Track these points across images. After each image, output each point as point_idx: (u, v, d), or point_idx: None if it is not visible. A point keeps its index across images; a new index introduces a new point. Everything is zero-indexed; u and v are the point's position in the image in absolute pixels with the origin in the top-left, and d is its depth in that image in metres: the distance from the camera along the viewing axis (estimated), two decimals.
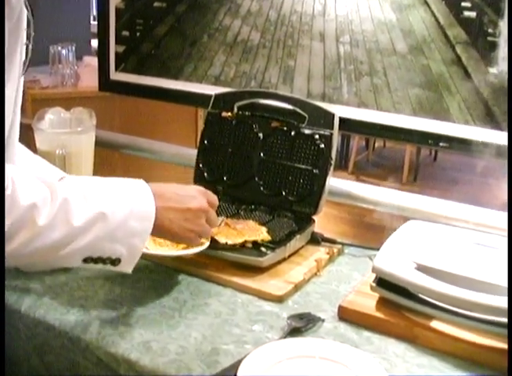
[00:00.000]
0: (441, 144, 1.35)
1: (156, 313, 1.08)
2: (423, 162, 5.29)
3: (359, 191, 1.51)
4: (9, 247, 0.82)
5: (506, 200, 1.09)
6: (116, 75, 1.83)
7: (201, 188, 1.06)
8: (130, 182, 0.95)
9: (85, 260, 0.90)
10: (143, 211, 0.92)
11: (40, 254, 0.86)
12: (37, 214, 0.83)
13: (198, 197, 1.03)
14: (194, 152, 1.54)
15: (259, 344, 0.98)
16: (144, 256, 1.16)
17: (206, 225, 1.05)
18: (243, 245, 1.23)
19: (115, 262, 0.92)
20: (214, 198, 1.07)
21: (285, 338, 1.01)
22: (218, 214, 1.35)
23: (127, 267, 0.94)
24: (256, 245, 1.23)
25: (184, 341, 1.00)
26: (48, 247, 0.85)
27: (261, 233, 1.26)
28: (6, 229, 0.80)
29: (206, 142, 1.51)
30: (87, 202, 0.87)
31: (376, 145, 5.71)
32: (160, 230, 0.96)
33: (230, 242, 1.22)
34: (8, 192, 0.80)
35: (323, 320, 1.08)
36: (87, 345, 1.01)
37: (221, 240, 1.22)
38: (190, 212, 1.00)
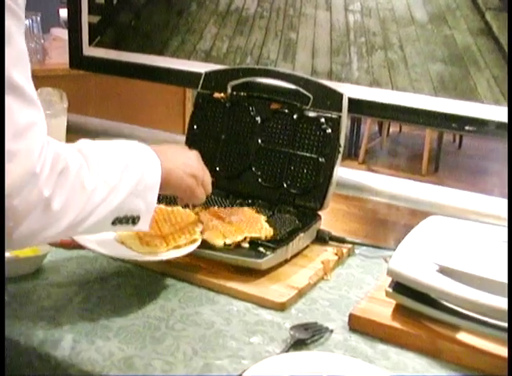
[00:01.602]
0: (466, 128, 1.35)
1: (139, 325, 1.08)
2: (446, 150, 5.30)
3: (372, 183, 1.52)
4: (67, 219, 0.90)
5: None
6: (90, 50, 1.83)
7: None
8: (129, 142, 1.07)
9: (114, 222, 1.00)
10: (151, 165, 1.05)
11: (89, 218, 0.94)
12: (84, 178, 0.92)
13: (186, 148, 1.25)
14: (182, 138, 1.54)
15: (258, 359, 0.98)
16: (136, 262, 1.22)
17: (206, 172, 1.20)
18: (238, 245, 1.23)
19: (135, 219, 1.04)
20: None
21: (287, 351, 1.01)
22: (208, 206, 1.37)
23: (144, 224, 1.06)
24: (254, 244, 1.24)
25: (171, 357, 1.00)
26: (96, 210, 0.95)
27: (262, 227, 1.26)
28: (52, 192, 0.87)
29: (195, 127, 1.51)
30: (113, 159, 0.99)
31: (391, 130, 5.73)
32: (167, 178, 1.08)
33: (229, 241, 1.22)
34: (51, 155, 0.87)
35: (332, 331, 1.08)
36: (58, 363, 1.00)
37: (218, 241, 1.22)
38: (188, 159, 1.17)
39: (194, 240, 1.20)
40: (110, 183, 0.96)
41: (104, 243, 1.16)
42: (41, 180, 0.86)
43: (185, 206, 1.31)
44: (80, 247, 1.15)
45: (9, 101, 0.83)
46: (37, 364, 1.02)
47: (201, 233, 1.24)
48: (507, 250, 1.04)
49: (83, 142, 1.00)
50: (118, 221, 1.01)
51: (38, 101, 0.89)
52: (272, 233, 1.26)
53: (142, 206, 1.03)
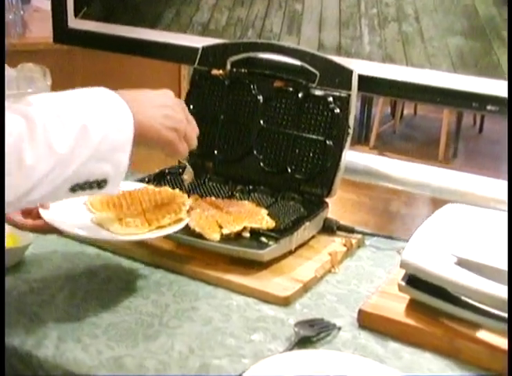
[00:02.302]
0: (488, 107, 1.35)
1: (130, 321, 1.08)
2: (466, 134, 5.30)
3: (384, 168, 1.52)
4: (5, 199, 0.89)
5: None
6: (75, 23, 1.82)
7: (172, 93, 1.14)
8: (92, 91, 1.01)
9: (73, 189, 0.96)
10: (120, 120, 0.98)
11: (29, 193, 0.91)
12: (23, 153, 0.88)
13: (170, 94, 1.12)
14: None
15: (259, 357, 0.99)
16: (110, 243, 1.22)
17: (191, 122, 1.13)
18: (238, 234, 1.23)
19: (101, 183, 0.98)
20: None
21: (291, 350, 1.01)
22: (206, 195, 1.37)
23: (113, 188, 1.01)
24: (255, 234, 1.24)
25: (165, 356, 1.00)
26: (39, 185, 0.91)
27: (263, 219, 1.26)
28: None
29: (192, 107, 1.51)
30: (66, 121, 0.93)
31: (405, 112, 5.72)
32: (141, 134, 1.01)
33: (226, 231, 1.23)
34: None
35: (339, 328, 1.08)
36: (41, 363, 1.01)
37: (213, 234, 1.22)
38: (168, 108, 1.08)
39: (179, 220, 1.18)
40: (59, 152, 0.91)
41: (80, 225, 1.15)
42: None
43: (174, 188, 1.31)
44: (55, 230, 1.13)
45: None
46: (18, 366, 1.02)
47: (188, 212, 1.21)
48: (507, 242, 1.03)
49: (32, 101, 0.95)
50: (79, 187, 0.97)
51: None
52: (273, 226, 1.26)
53: (108, 169, 0.97)
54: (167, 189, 1.29)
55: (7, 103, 0.90)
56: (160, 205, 1.22)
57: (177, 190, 1.29)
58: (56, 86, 1.52)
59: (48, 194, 0.94)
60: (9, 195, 0.89)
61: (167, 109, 1.07)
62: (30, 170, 0.89)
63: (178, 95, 2.93)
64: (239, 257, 1.21)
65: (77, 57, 2.72)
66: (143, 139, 1.03)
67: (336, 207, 1.43)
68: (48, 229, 1.14)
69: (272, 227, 1.26)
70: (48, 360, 1.00)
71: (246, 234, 1.24)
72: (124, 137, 0.98)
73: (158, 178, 1.44)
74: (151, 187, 1.30)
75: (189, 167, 1.33)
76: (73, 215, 1.16)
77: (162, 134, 1.05)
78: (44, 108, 0.94)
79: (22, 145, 0.88)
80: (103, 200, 1.22)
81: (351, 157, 1.46)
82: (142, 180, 1.41)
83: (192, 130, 1.13)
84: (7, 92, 1.46)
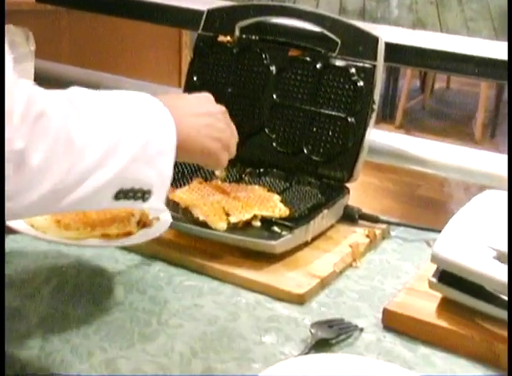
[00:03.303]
0: None
1: (125, 319, 1.09)
2: (506, 111, 5.27)
3: (412, 148, 1.52)
4: (49, 181, 0.87)
5: None
6: None
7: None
8: (133, 94, 1.02)
9: (117, 196, 0.96)
10: (163, 127, 1.00)
11: (81, 185, 0.91)
12: (71, 129, 0.88)
13: (211, 99, 1.14)
14: (178, 92, 1.54)
15: (271, 362, 0.99)
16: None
17: (234, 132, 1.15)
18: (248, 223, 1.24)
19: (145, 195, 0.98)
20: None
21: (307, 353, 1.01)
22: (211, 178, 1.37)
23: (157, 201, 1.00)
24: (266, 223, 1.24)
25: (165, 359, 1.01)
26: (88, 174, 0.90)
27: (276, 206, 1.27)
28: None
29: (195, 78, 1.51)
30: (111, 111, 0.96)
31: (437, 86, 5.70)
32: (183, 145, 1.02)
33: (234, 219, 1.23)
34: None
35: (362, 330, 1.09)
36: (23, 365, 1.01)
37: (219, 223, 1.21)
38: (211, 116, 1.10)
39: (129, 233, 1.16)
40: (108, 141, 0.92)
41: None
42: (10, 128, 0.83)
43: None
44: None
45: None
46: None
47: (138, 224, 1.20)
48: (507, 237, 1.04)
49: (73, 90, 0.96)
50: (123, 194, 0.96)
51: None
52: (287, 214, 1.27)
53: (153, 175, 0.98)
54: None
55: (37, 87, 0.90)
56: (106, 212, 1.20)
57: None
58: (40, 52, 1.53)
59: (91, 196, 0.92)
60: (54, 179, 0.87)
61: (210, 117, 1.09)
62: (80, 152, 0.89)
63: (179, 65, 2.97)
64: (249, 248, 1.22)
65: (63, 19, 2.71)
66: (185, 150, 1.04)
67: (357, 192, 1.43)
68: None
69: (286, 215, 1.26)
70: (32, 362, 1.01)
71: (257, 223, 1.24)
72: (168, 144, 0.99)
73: None
74: None
75: None
76: None
77: (206, 145, 1.07)
78: (88, 97, 0.95)
79: (68, 121, 0.88)
80: None
81: (375, 136, 1.46)
82: None
83: (235, 139, 1.15)
84: None
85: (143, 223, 1.20)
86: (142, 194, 0.98)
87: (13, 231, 1.13)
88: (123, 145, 0.94)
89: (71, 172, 0.89)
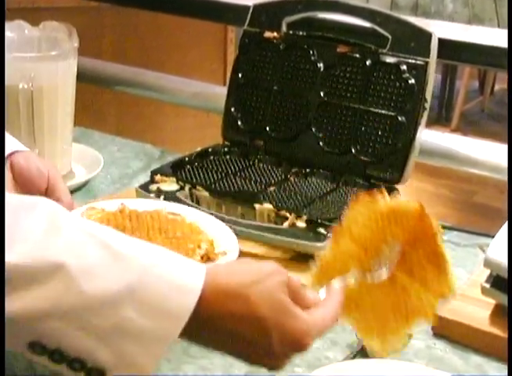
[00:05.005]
0: None
1: None
2: None
3: (468, 150, 1.51)
4: None
5: None
6: None
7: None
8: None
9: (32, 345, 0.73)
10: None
11: None
12: None
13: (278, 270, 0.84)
14: (223, 90, 1.56)
15: (315, 367, 0.99)
16: None
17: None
18: (292, 223, 1.23)
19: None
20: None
21: (353, 358, 1.02)
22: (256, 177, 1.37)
23: None
24: (311, 224, 1.23)
25: (206, 361, 1.01)
26: None
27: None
28: None
29: (240, 75, 1.53)
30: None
31: (497, 87, 5.62)
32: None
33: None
34: None
35: (410, 336, 1.07)
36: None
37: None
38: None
39: None
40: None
41: None
42: None
43: None
44: None
45: None
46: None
47: (202, 258, 1.13)
48: (507, 236, 1.03)
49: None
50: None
51: None
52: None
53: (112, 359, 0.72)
54: (183, 219, 1.22)
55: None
56: (171, 238, 1.16)
57: (198, 215, 1.24)
58: (84, 49, 1.55)
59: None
60: None
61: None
62: None
63: (224, 62, 2.98)
64: (293, 250, 1.22)
65: (106, 16, 2.73)
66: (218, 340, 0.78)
67: (411, 198, 1.42)
68: None
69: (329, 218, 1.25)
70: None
71: (302, 224, 1.24)
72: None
73: (200, 159, 1.45)
74: (165, 211, 1.23)
75: None
76: None
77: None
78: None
79: None
80: (104, 218, 1.18)
81: (428, 136, 1.46)
82: (181, 161, 1.42)
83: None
84: (27, 54, 1.45)
85: (207, 257, 1.14)
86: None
87: None
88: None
89: None
